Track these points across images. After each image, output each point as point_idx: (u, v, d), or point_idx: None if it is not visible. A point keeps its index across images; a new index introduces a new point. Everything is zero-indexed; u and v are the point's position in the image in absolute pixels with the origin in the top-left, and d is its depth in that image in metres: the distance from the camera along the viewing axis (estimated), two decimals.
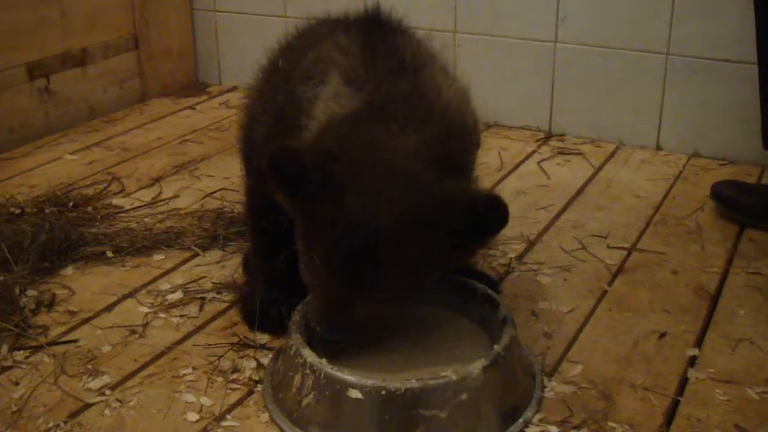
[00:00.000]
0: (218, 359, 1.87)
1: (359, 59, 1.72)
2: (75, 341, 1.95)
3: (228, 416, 1.70)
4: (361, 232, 1.51)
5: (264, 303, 1.93)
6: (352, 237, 1.51)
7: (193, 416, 1.69)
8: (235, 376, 1.82)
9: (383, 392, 1.55)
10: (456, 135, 1.66)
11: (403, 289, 1.60)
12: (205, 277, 2.21)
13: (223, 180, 2.79)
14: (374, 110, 1.63)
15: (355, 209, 1.52)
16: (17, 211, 2.47)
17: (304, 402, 1.63)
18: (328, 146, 1.57)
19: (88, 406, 1.73)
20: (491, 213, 1.55)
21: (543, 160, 2.96)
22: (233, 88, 3.76)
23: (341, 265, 1.55)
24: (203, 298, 2.11)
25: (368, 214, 1.51)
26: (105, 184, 2.77)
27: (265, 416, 1.70)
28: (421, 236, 1.52)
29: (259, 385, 1.78)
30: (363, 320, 1.63)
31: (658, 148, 3.03)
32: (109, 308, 2.09)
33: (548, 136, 3.17)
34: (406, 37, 1.84)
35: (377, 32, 1.79)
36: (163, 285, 2.17)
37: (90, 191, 2.70)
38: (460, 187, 1.60)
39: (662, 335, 1.95)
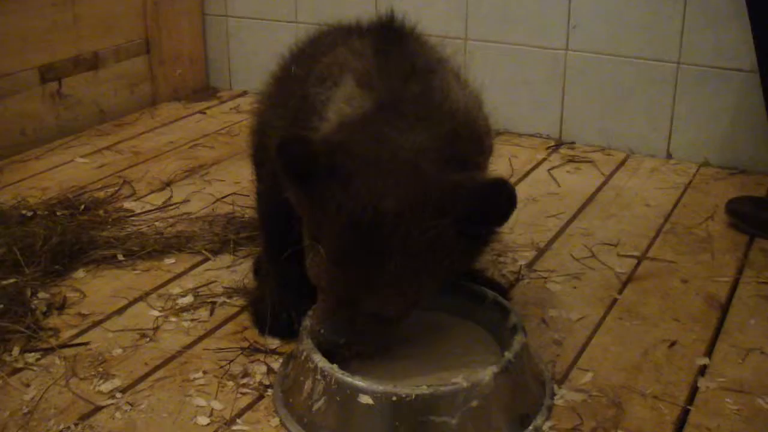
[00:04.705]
0: (229, 363, 1.87)
1: (372, 63, 1.72)
2: (86, 344, 1.96)
3: (238, 420, 1.70)
4: (365, 218, 1.50)
5: (275, 308, 1.94)
6: (356, 223, 1.51)
7: (203, 420, 1.70)
8: (245, 380, 1.82)
9: (394, 398, 1.56)
10: (465, 136, 1.66)
11: (409, 280, 1.57)
12: (215, 281, 2.21)
13: (233, 185, 2.79)
14: (384, 109, 1.64)
15: (361, 194, 1.51)
16: (29, 214, 2.48)
17: (315, 407, 1.63)
18: (337, 138, 1.59)
19: (98, 408, 1.74)
20: (499, 197, 1.54)
21: (553, 167, 2.96)
22: (244, 93, 3.77)
23: (346, 252, 1.54)
24: (214, 303, 2.11)
25: (373, 201, 1.51)
26: (116, 188, 2.78)
27: (275, 421, 1.70)
28: (428, 222, 1.51)
29: (269, 390, 1.79)
30: (367, 323, 1.62)
31: (669, 156, 3.03)
32: (119, 311, 2.09)
33: (558, 144, 3.17)
34: (419, 43, 1.85)
35: (391, 37, 1.80)
36: (174, 289, 2.18)
37: (101, 194, 2.71)
38: (466, 174, 1.59)
39: (672, 344, 1.95)
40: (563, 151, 3.11)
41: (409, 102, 1.65)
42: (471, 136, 1.70)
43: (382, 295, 1.58)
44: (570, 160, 3.02)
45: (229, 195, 2.72)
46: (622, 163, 3.01)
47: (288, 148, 1.57)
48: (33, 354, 1.91)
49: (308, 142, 1.58)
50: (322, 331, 1.64)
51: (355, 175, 1.54)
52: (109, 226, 2.47)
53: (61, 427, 1.68)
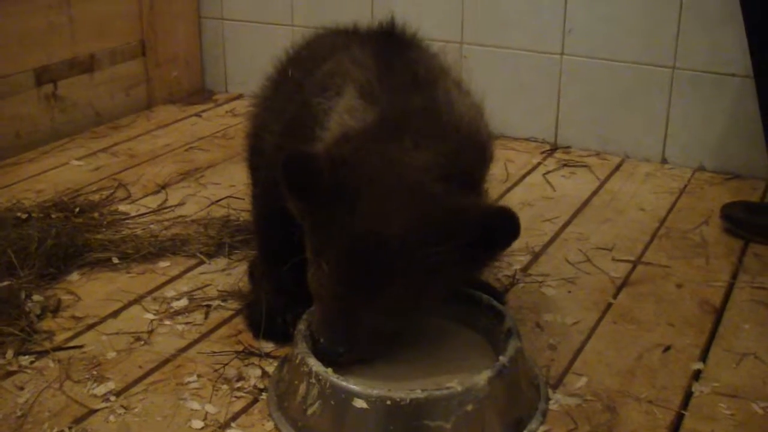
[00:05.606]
0: (223, 367, 1.87)
1: (374, 73, 1.72)
2: (80, 347, 1.95)
3: (233, 424, 1.70)
4: (371, 240, 1.52)
5: (269, 311, 1.94)
6: (361, 244, 1.52)
7: (197, 423, 1.70)
8: (240, 384, 1.82)
9: (388, 402, 1.55)
10: (469, 150, 1.67)
11: (410, 300, 1.60)
12: (210, 284, 2.21)
13: (229, 188, 2.79)
14: (388, 125, 1.63)
15: (366, 218, 1.52)
16: (24, 216, 2.47)
17: (309, 411, 1.63)
18: (342, 156, 1.58)
19: (92, 412, 1.74)
20: (502, 226, 1.56)
21: (548, 172, 2.96)
22: (239, 96, 3.77)
23: (349, 271, 1.55)
24: (208, 306, 2.11)
25: (378, 223, 1.52)
26: (111, 191, 2.77)
27: (269, 424, 1.70)
28: (431, 247, 1.52)
29: (264, 394, 1.78)
30: (366, 334, 1.63)
31: (664, 161, 3.04)
32: (114, 314, 2.09)
33: (554, 148, 3.17)
34: (420, 51, 1.85)
35: (392, 46, 1.80)
36: (169, 292, 2.18)
37: (96, 197, 2.70)
38: (471, 200, 1.60)
39: (667, 348, 1.95)
40: (558, 155, 3.12)
41: (412, 116, 1.65)
42: (474, 148, 1.70)
43: (382, 312, 1.60)
44: (565, 165, 3.03)
45: (224, 198, 2.71)
46: (618, 167, 3.01)
47: (292, 166, 1.57)
48: (27, 357, 1.90)
49: (313, 158, 1.58)
50: (321, 340, 1.65)
51: (360, 196, 1.54)
52: (103, 229, 2.47)
53: (55, 430, 1.68)
